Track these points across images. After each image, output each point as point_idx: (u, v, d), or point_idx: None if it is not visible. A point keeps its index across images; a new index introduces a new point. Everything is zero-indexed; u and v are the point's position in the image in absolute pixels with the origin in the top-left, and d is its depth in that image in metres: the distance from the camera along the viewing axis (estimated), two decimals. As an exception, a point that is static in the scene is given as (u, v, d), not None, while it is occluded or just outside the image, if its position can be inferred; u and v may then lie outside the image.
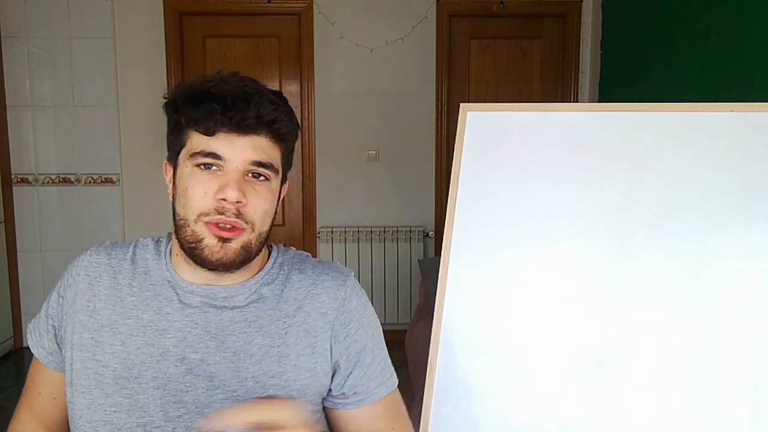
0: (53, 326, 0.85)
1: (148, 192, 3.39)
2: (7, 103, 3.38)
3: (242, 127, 0.75)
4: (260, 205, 0.77)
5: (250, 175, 0.77)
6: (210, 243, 0.76)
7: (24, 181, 3.45)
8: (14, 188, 3.44)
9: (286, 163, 0.84)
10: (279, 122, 0.78)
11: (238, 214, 0.75)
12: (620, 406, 0.90)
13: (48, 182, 3.46)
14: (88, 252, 0.87)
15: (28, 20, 3.34)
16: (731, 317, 0.88)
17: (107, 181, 3.47)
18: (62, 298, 0.85)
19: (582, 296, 0.93)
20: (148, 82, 3.41)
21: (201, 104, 0.75)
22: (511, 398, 0.94)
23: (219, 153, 0.75)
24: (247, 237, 0.77)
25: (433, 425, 0.96)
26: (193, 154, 0.76)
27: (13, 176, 3.43)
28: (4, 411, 2.68)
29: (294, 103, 3.44)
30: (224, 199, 0.74)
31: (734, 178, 0.92)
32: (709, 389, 0.87)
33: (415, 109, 3.53)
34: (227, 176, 0.75)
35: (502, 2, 3.42)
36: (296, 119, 0.83)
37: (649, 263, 0.92)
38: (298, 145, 3.71)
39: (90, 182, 3.46)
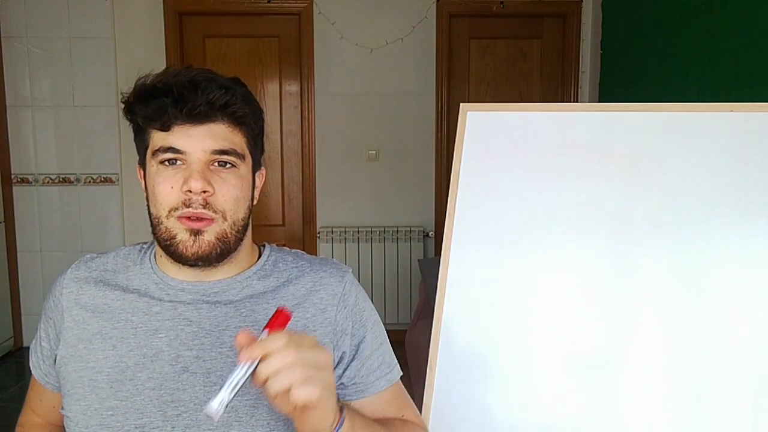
0: (49, 348, 0.85)
1: (148, 192, 3.39)
2: (7, 103, 3.38)
3: (195, 116, 0.74)
4: (229, 193, 0.77)
5: (216, 164, 0.77)
6: (183, 238, 0.76)
7: (24, 181, 3.45)
8: (14, 188, 3.45)
9: (255, 147, 0.83)
10: (233, 105, 0.76)
11: (206, 205, 0.75)
12: (620, 406, 0.90)
13: (48, 182, 3.46)
14: (69, 270, 0.87)
15: (28, 20, 3.34)
16: (731, 317, 0.88)
17: (107, 180, 3.47)
18: (50, 319, 0.85)
19: (582, 296, 0.93)
20: (148, 82, 3.41)
21: (151, 101, 0.75)
22: (512, 398, 0.94)
23: (177, 146, 0.75)
24: (219, 227, 0.77)
25: (433, 425, 0.96)
26: (155, 152, 0.77)
27: (13, 176, 3.43)
28: (5, 411, 2.69)
29: (294, 103, 3.46)
30: (190, 191, 0.74)
31: (734, 178, 0.92)
32: (708, 389, 0.87)
33: (415, 109, 3.53)
34: (190, 168, 0.75)
35: (502, 2, 3.42)
36: (256, 101, 0.82)
37: (648, 262, 0.92)
38: (297, 145, 3.69)
39: (90, 182, 3.46)
